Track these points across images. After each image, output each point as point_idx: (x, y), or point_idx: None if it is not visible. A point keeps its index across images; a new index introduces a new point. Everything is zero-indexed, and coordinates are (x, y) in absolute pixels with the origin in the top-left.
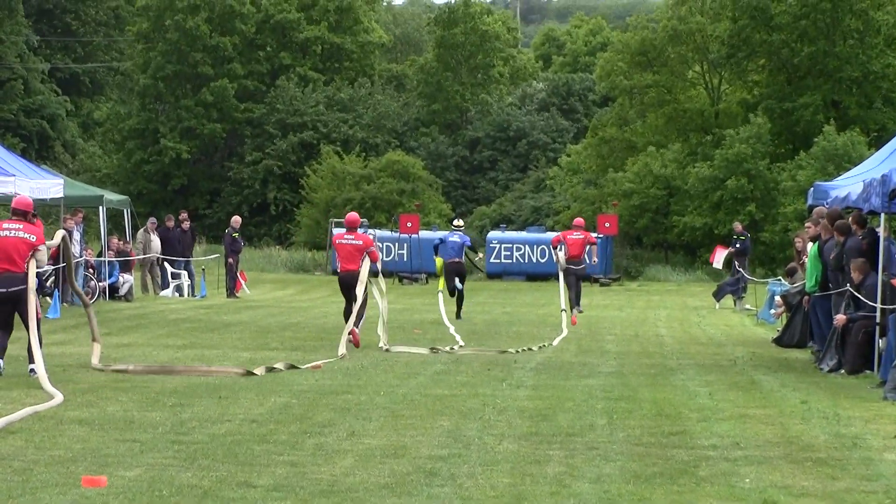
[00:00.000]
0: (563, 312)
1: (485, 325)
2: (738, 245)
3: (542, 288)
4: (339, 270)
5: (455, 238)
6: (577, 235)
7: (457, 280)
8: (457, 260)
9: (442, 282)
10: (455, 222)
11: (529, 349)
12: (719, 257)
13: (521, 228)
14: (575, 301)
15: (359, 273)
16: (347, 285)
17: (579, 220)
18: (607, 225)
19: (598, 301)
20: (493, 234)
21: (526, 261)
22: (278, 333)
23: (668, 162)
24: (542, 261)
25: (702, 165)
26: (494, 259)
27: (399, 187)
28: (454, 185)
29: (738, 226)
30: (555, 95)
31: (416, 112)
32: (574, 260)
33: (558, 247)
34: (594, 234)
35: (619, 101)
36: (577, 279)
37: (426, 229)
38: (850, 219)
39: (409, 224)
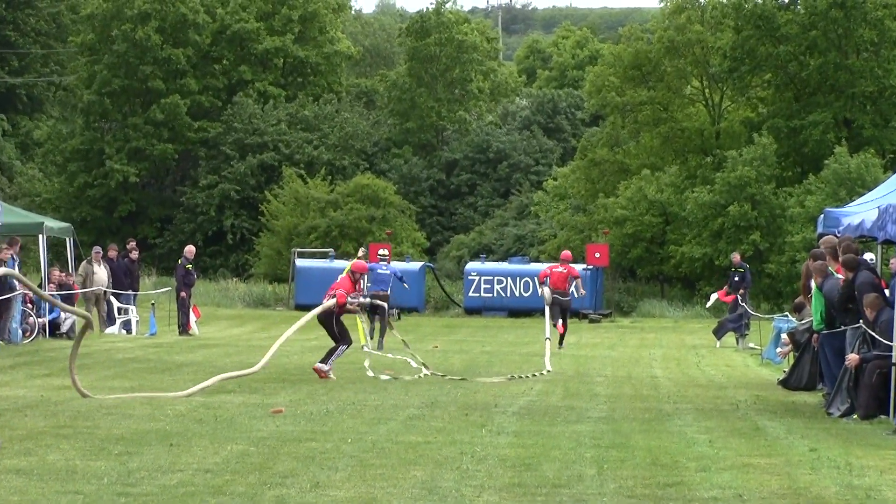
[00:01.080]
0: (547, 341)
1: (463, 365)
2: (735, 278)
3: (525, 325)
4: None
5: (384, 270)
6: (560, 269)
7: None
8: (382, 293)
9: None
10: (379, 252)
11: (521, 376)
12: (712, 302)
13: (503, 259)
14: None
15: (329, 310)
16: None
17: (566, 254)
18: (597, 255)
19: (587, 339)
20: (472, 266)
21: (508, 294)
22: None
23: (665, 186)
24: (526, 294)
25: (701, 190)
26: (473, 293)
27: (368, 213)
28: (429, 212)
29: (736, 257)
30: (540, 113)
31: (388, 131)
32: (559, 290)
33: (545, 281)
34: (582, 267)
35: (610, 120)
36: (563, 310)
37: (398, 260)
38: (841, 262)
39: (380, 254)
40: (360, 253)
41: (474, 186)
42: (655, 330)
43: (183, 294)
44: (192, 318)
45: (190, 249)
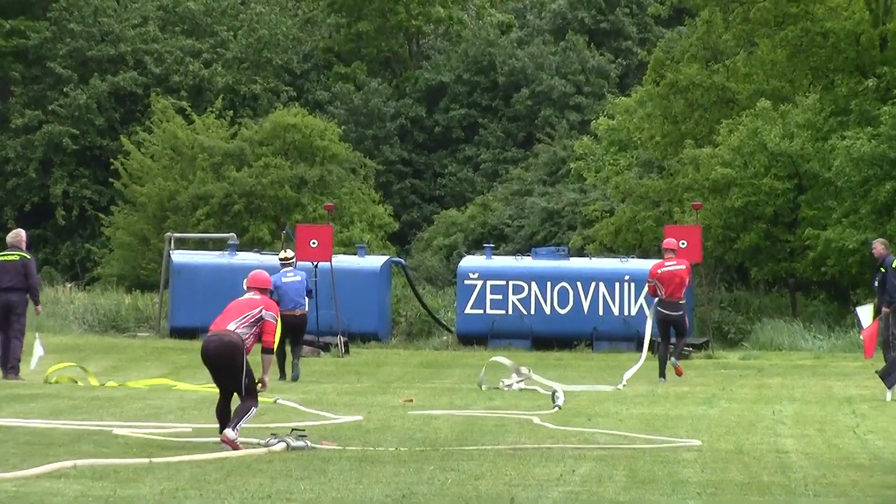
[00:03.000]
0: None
1: (454, 433)
2: (875, 282)
3: (565, 361)
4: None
5: (293, 277)
6: (673, 266)
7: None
8: (299, 312)
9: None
10: (280, 255)
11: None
12: (864, 315)
13: (523, 251)
14: (674, 352)
15: (228, 339)
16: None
17: (670, 241)
18: (683, 245)
19: (667, 386)
20: (471, 263)
21: (533, 311)
22: (72, 447)
23: (796, 128)
24: (564, 311)
25: (857, 135)
26: (473, 308)
27: (296, 174)
28: (398, 171)
29: (878, 247)
30: (582, 6)
31: (328, 37)
32: (670, 301)
33: (656, 293)
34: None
35: (703, 17)
36: (679, 331)
37: (347, 252)
38: None
39: (313, 243)
40: (284, 251)
41: (473, 129)
42: (783, 371)
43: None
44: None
45: (16, 236)
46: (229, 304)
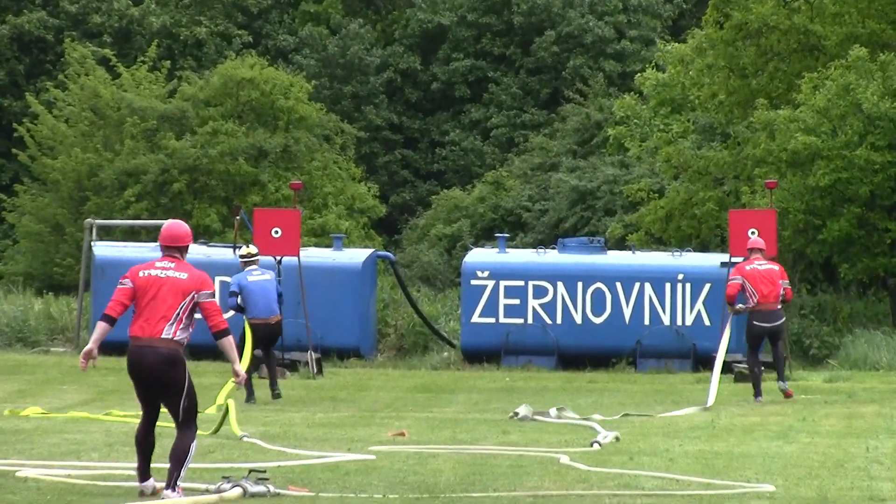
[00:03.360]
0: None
1: (457, 477)
2: None
3: (600, 384)
4: (131, 339)
5: (261, 276)
6: (762, 265)
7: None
8: (274, 319)
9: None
10: (243, 251)
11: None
12: None
13: (547, 243)
14: (778, 374)
15: (167, 351)
16: (147, 374)
17: (757, 240)
18: (753, 234)
19: (733, 415)
20: (479, 257)
21: (559, 320)
22: None
23: None
24: (599, 320)
25: None
26: (481, 317)
27: (253, 142)
28: (385, 140)
29: None
30: None
31: None
32: (767, 310)
33: (739, 298)
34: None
35: None
36: (776, 340)
37: (320, 245)
38: None
39: (276, 232)
40: (246, 246)
41: (481, 86)
42: (880, 397)
43: None
44: None
45: None
46: (147, 286)
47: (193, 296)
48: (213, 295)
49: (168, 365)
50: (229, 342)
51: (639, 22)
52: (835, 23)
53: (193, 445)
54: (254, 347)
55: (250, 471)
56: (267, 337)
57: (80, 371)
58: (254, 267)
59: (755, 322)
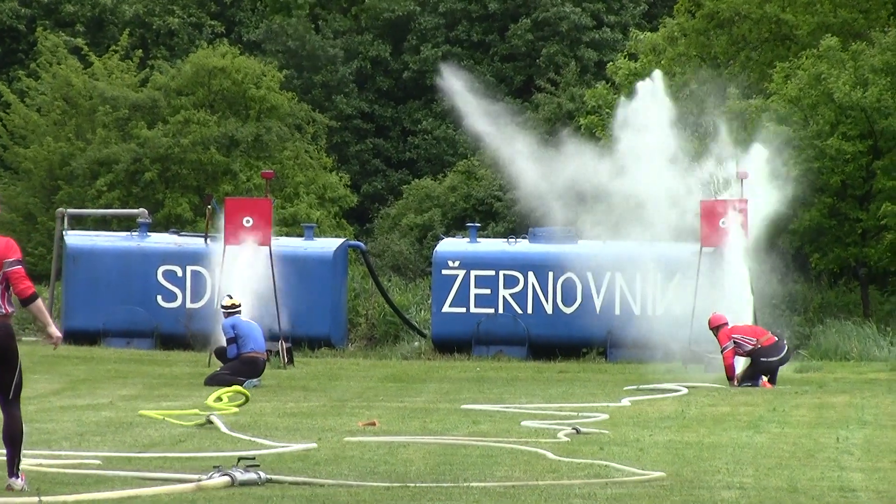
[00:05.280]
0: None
1: (428, 467)
2: None
3: (571, 373)
4: None
5: (249, 320)
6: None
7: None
8: (263, 356)
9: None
10: (226, 302)
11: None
12: None
13: (518, 232)
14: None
15: (8, 328)
16: None
17: (719, 317)
18: (723, 224)
19: (704, 406)
20: (450, 247)
21: (530, 309)
22: None
23: (871, 74)
24: (569, 310)
25: None
26: (452, 306)
27: (224, 133)
28: (356, 129)
29: None
30: None
31: None
32: (771, 346)
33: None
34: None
35: None
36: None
37: (291, 234)
38: None
39: (247, 221)
40: (229, 297)
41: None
42: (851, 387)
43: None
44: None
45: None
46: None
47: (2, 264)
48: (20, 262)
49: (10, 338)
50: (38, 305)
51: (621, 6)
52: (806, 12)
53: (24, 429)
54: (246, 376)
55: (239, 458)
56: (260, 370)
57: (52, 360)
58: (238, 316)
59: (762, 359)
